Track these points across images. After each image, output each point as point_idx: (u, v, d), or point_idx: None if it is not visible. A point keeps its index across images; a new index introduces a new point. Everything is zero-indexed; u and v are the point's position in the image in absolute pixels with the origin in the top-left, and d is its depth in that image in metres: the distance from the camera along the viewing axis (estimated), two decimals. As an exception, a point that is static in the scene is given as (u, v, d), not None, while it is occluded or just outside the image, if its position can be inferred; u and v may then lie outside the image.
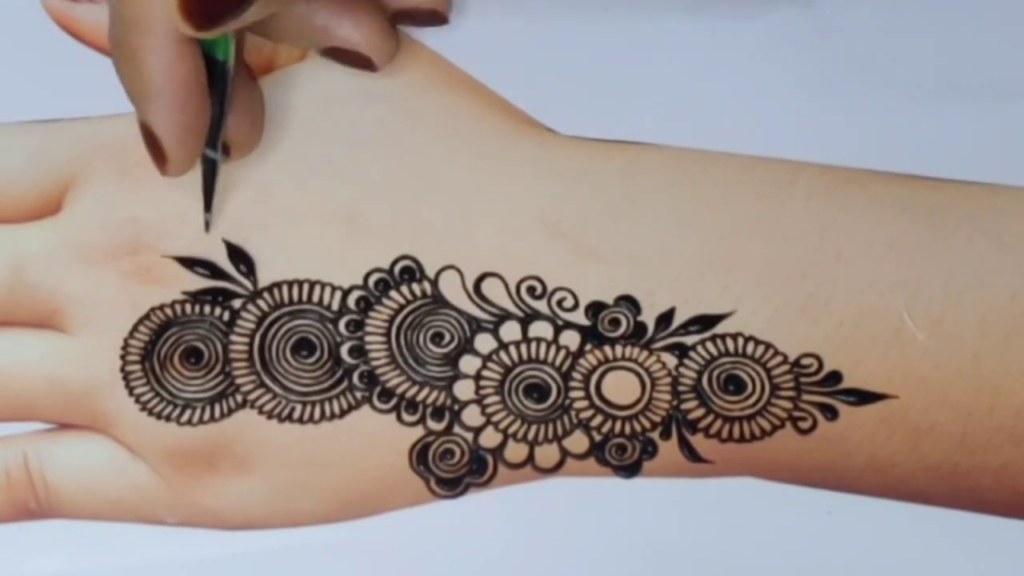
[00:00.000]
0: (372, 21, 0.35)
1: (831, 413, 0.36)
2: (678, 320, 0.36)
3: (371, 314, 0.37)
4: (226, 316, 0.37)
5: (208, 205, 0.36)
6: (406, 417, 0.36)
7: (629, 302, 0.36)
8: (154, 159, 0.34)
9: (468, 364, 0.37)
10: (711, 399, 0.36)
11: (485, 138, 0.37)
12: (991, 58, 0.38)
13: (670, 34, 0.39)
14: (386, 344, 0.37)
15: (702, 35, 0.39)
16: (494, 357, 0.36)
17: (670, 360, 0.36)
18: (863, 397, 0.35)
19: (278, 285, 0.37)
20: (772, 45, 0.39)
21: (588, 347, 0.36)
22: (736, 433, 0.36)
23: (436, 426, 0.36)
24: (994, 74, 0.38)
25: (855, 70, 0.38)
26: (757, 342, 0.36)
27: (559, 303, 0.36)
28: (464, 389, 0.37)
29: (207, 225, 0.37)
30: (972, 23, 0.38)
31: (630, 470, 0.36)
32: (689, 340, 0.36)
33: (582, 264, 0.37)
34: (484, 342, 0.37)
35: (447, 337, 0.37)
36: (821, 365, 0.36)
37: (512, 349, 0.36)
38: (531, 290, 0.37)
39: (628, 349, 0.36)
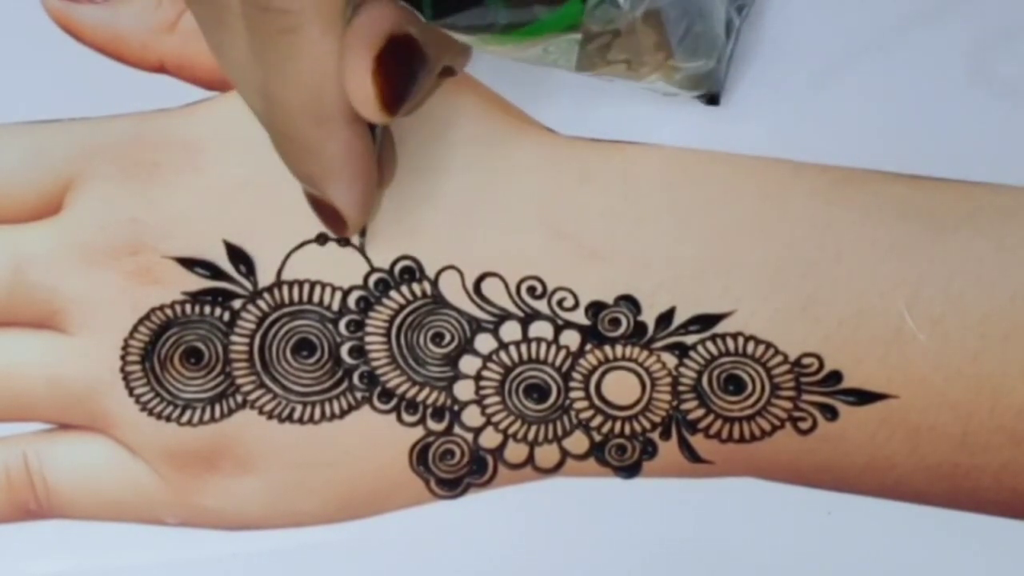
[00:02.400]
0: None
1: (831, 413, 0.36)
2: (678, 320, 0.36)
3: (371, 314, 0.37)
4: (226, 316, 0.37)
5: (363, 231, 0.37)
6: (406, 417, 0.36)
7: (629, 302, 0.36)
8: (330, 225, 0.34)
9: (468, 364, 0.37)
10: (711, 399, 0.36)
11: (485, 138, 0.37)
12: (992, 58, 0.38)
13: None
14: (386, 344, 0.37)
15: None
16: (494, 357, 0.36)
17: (670, 360, 0.36)
18: (863, 397, 0.35)
19: (278, 285, 0.37)
20: (772, 44, 0.39)
21: (588, 347, 0.36)
22: (736, 433, 0.36)
23: (436, 426, 0.36)
24: (995, 74, 0.38)
25: (855, 69, 0.38)
26: (757, 342, 0.36)
27: (559, 303, 0.36)
28: (464, 389, 0.37)
29: (362, 248, 0.37)
30: (973, 23, 0.38)
31: (630, 470, 0.36)
32: (689, 340, 0.36)
33: (582, 264, 0.37)
34: (484, 342, 0.37)
35: (447, 337, 0.37)
36: (822, 365, 0.36)
37: (512, 349, 0.36)
38: (531, 290, 0.37)
39: (628, 349, 0.36)
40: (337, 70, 0.30)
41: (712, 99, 0.37)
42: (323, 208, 0.33)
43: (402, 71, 0.31)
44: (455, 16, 0.29)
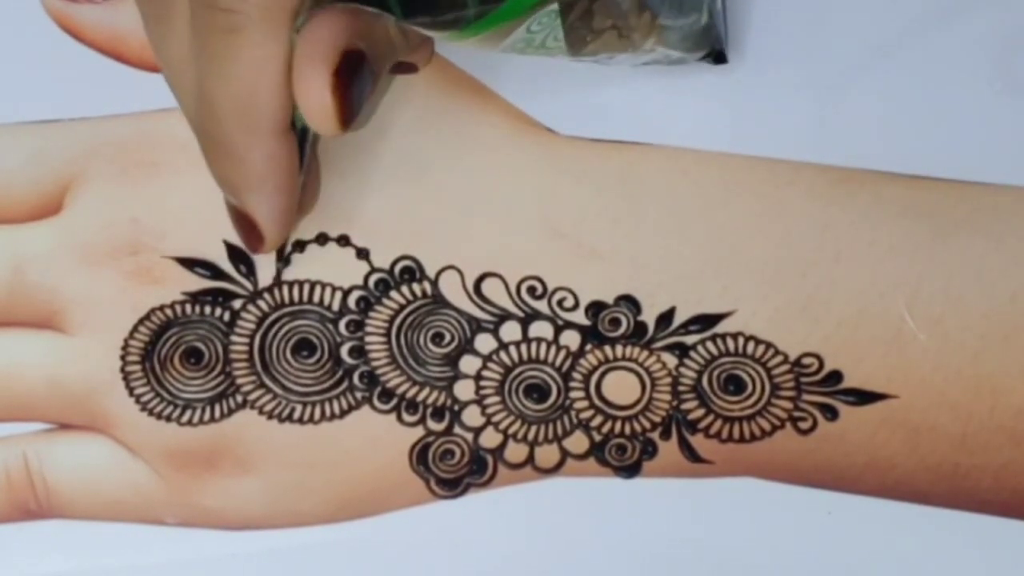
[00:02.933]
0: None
1: (831, 413, 0.36)
2: (678, 320, 0.36)
3: (371, 314, 0.37)
4: (226, 316, 0.37)
5: (281, 255, 0.37)
6: (406, 417, 0.36)
7: (629, 302, 0.36)
8: (247, 240, 0.34)
9: (468, 364, 0.37)
10: (711, 399, 0.36)
11: (485, 138, 0.37)
12: (992, 57, 0.38)
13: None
14: (386, 344, 0.37)
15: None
16: (494, 357, 0.37)
17: (670, 360, 0.36)
18: (863, 397, 0.35)
19: (278, 285, 0.37)
20: (771, 43, 0.39)
21: (588, 347, 0.36)
22: (736, 433, 0.36)
23: (436, 426, 0.36)
24: (995, 73, 0.38)
25: (854, 69, 0.38)
26: (757, 342, 0.36)
27: (559, 303, 0.36)
28: (464, 389, 0.37)
29: (279, 273, 0.37)
30: (973, 22, 0.38)
31: (630, 470, 0.36)
32: (689, 340, 0.36)
33: (582, 264, 0.37)
34: (484, 342, 0.37)
35: (447, 337, 0.37)
36: (821, 365, 0.36)
37: (512, 349, 0.36)
38: (531, 290, 0.37)
39: (628, 349, 0.36)
40: (272, 78, 0.30)
41: (719, 57, 0.37)
42: (241, 219, 0.33)
43: (356, 85, 0.31)
44: (426, 14, 0.29)
